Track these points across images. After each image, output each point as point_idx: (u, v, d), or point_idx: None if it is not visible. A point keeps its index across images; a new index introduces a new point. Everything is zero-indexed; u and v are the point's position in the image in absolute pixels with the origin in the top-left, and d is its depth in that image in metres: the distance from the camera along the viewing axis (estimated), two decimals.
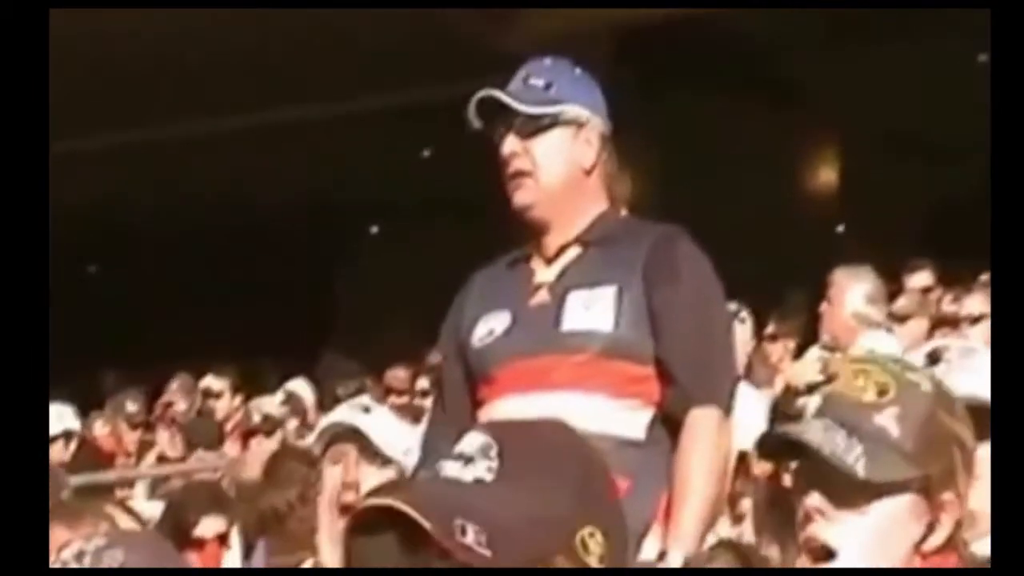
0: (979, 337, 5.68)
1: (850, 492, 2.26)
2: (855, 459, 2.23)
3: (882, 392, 2.29)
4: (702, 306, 3.41)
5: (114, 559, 2.10)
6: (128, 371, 10.44)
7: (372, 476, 3.62)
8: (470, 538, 1.82)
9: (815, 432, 2.28)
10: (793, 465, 2.46)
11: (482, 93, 3.45)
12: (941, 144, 13.07)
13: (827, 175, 15.13)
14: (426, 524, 1.81)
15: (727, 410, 3.33)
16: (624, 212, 3.63)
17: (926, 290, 7.49)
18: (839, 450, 2.24)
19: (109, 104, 13.06)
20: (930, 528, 2.27)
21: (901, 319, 7.03)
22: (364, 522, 1.89)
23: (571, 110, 3.48)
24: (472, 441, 1.94)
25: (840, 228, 14.46)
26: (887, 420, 2.27)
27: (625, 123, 3.67)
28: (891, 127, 13.25)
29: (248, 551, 5.27)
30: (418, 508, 1.82)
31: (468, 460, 1.92)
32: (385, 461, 3.69)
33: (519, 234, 3.59)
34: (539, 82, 3.48)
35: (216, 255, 14.79)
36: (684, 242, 3.45)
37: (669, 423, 3.33)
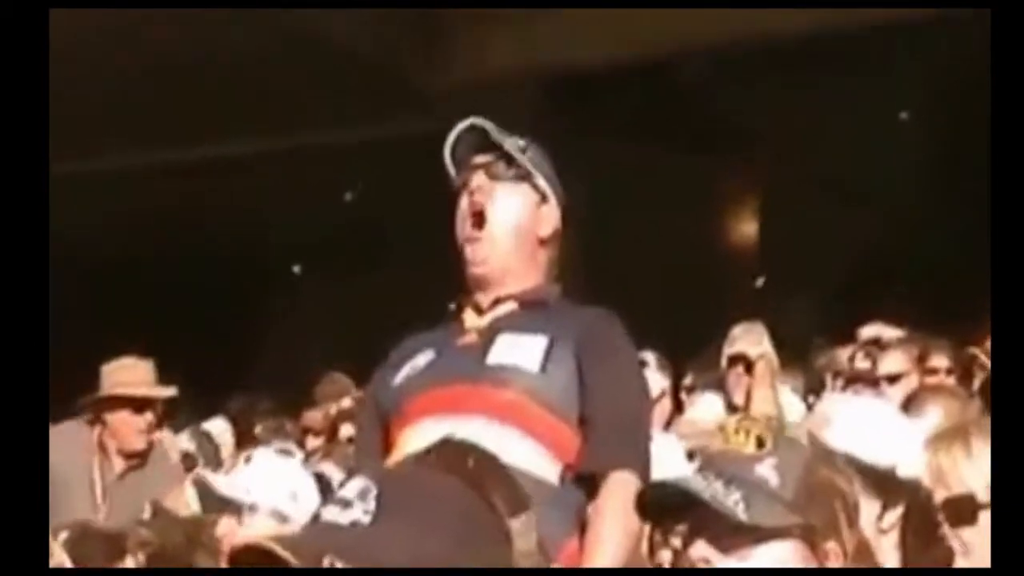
0: (897, 396, 5.45)
1: (733, 539, 2.32)
2: (734, 503, 2.30)
3: (760, 444, 2.37)
4: (631, 381, 3.42)
5: None
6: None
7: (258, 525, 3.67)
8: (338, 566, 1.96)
9: (695, 481, 2.36)
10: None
11: (471, 121, 3.46)
12: (863, 197, 13.20)
13: (748, 228, 15.24)
14: (293, 561, 1.92)
15: (645, 479, 3.30)
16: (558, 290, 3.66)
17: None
18: (719, 495, 2.31)
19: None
20: None
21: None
22: (242, 560, 2.03)
23: (540, 181, 3.54)
24: (353, 486, 2.05)
25: (759, 282, 14.57)
26: (766, 470, 2.35)
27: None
28: (814, 177, 13.36)
29: None
30: (287, 547, 1.95)
31: (347, 504, 2.05)
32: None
33: (444, 278, 3.59)
34: (519, 141, 3.53)
35: (136, 290, 14.68)
36: (618, 325, 3.47)
37: (581, 482, 3.29)
